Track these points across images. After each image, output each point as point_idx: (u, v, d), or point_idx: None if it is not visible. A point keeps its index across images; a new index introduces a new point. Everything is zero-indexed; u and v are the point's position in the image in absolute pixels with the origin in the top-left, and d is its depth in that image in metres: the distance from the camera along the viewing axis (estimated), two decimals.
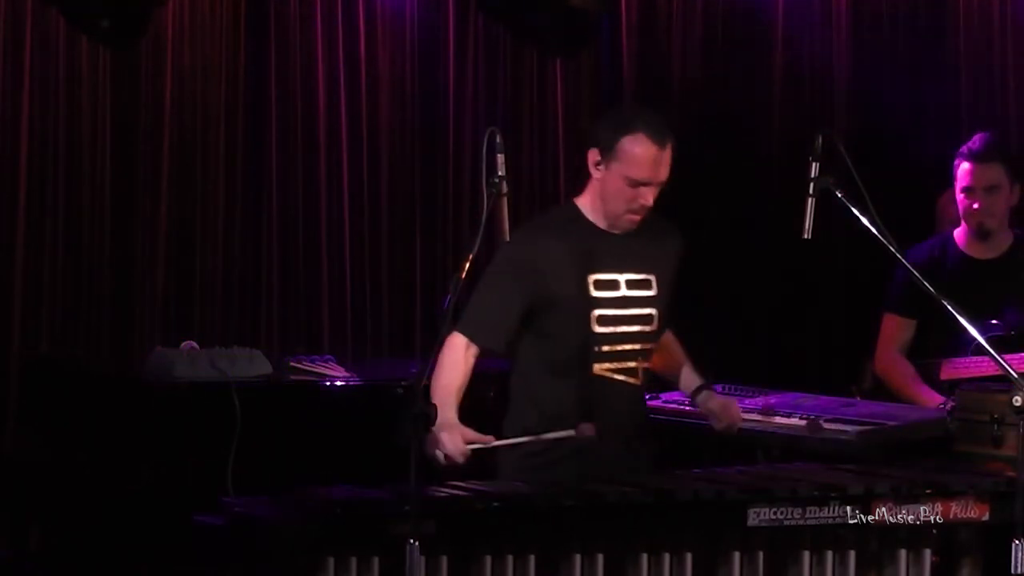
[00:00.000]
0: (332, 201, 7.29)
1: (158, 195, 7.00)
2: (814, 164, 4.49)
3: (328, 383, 6.05)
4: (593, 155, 4.64)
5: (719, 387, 5.44)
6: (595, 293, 4.65)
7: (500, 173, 4.26)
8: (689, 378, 4.94)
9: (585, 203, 4.72)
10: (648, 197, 4.62)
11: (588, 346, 4.64)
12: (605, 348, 4.66)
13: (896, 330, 5.69)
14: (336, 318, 7.28)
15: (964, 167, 5.62)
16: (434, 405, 3.93)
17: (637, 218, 4.67)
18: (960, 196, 5.65)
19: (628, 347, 4.68)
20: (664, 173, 4.63)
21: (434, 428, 4.09)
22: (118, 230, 6.94)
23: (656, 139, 4.58)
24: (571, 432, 4.50)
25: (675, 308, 4.89)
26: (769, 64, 7.73)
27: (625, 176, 4.58)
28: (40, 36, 6.80)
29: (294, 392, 6.02)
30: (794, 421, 5.04)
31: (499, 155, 4.25)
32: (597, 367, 4.66)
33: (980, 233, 5.63)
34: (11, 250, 6.74)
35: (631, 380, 4.69)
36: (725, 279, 7.47)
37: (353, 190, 7.33)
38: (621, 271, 4.69)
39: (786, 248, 7.09)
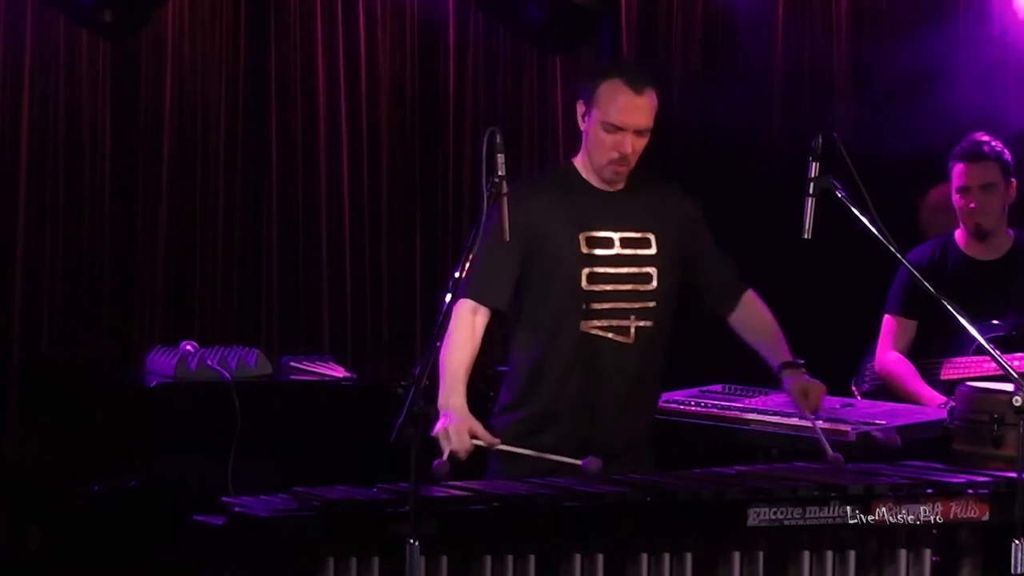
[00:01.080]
0: (332, 201, 7.29)
1: (158, 195, 7.00)
2: (814, 164, 4.49)
3: (328, 383, 6.05)
4: (580, 107, 4.71)
5: (719, 387, 5.45)
6: (586, 250, 4.67)
7: (500, 173, 4.26)
8: (774, 351, 4.90)
9: (580, 162, 4.75)
10: (626, 144, 4.64)
11: (577, 303, 4.66)
12: (595, 306, 4.67)
13: (897, 331, 5.70)
14: (336, 318, 7.28)
15: (958, 168, 5.63)
16: (433, 405, 3.93)
17: (622, 170, 4.69)
18: (956, 197, 5.66)
19: (622, 305, 4.69)
20: (642, 120, 4.65)
21: (442, 409, 4.08)
22: (118, 230, 6.94)
23: (631, 84, 4.63)
24: (577, 462, 4.50)
25: (732, 268, 4.91)
26: (769, 64, 7.73)
27: (602, 122, 4.63)
28: (40, 35, 6.80)
29: (294, 392, 6.02)
30: (794, 421, 5.04)
31: (499, 155, 4.25)
32: (585, 324, 4.66)
33: (978, 233, 5.63)
34: (11, 250, 6.74)
35: (622, 339, 4.68)
36: None
37: (353, 190, 7.33)
38: (616, 229, 4.71)
39: (786, 248, 7.10)
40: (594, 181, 4.74)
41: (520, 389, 4.72)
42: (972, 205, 5.59)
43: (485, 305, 4.64)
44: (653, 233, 4.74)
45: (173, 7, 6.98)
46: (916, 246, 5.71)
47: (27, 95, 6.77)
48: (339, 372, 6.15)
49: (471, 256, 4.37)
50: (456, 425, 4.41)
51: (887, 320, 5.73)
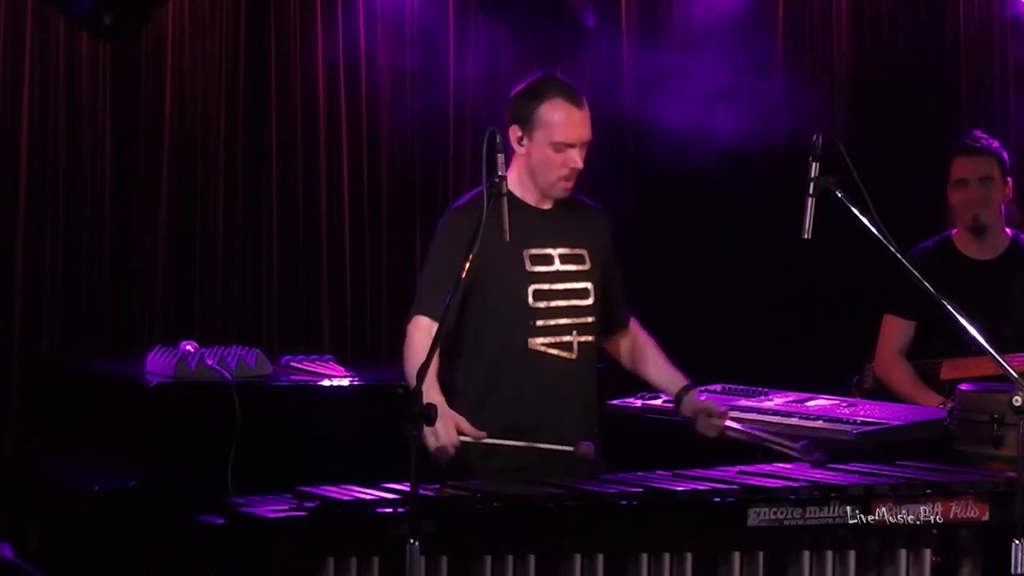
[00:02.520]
0: (332, 201, 7.29)
1: (158, 195, 7.00)
2: (814, 164, 4.49)
3: (328, 383, 6.05)
4: (514, 132, 4.71)
5: (719, 386, 5.45)
6: (531, 268, 4.69)
7: (500, 173, 4.27)
8: (671, 377, 4.92)
9: (512, 180, 4.69)
10: (576, 159, 4.68)
11: (524, 320, 4.67)
12: (539, 323, 4.68)
13: (896, 331, 5.70)
14: (336, 318, 7.28)
15: (957, 161, 5.66)
16: (433, 405, 3.93)
17: (570, 184, 4.72)
18: (954, 192, 5.68)
19: (563, 321, 4.70)
20: (586, 132, 4.69)
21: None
22: (118, 230, 6.94)
23: (572, 100, 4.67)
24: (569, 448, 4.50)
25: (625, 294, 4.92)
26: (769, 63, 7.72)
27: (550, 142, 4.65)
28: (40, 36, 6.80)
29: (294, 392, 6.02)
30: (793, 421, 5.04)
31: (499, 155, 4.25)
32: (532, 342, 4.68)
33: (976, 228, 5.64)
34: (11, 250, 6.74)
35: (565, 354, 4.70)
36: (725, 279, 7.47)
37: (353, 190, 7.33)
38: (554, 245, 4.73)
39: (786, 248, 7.10)
40: (528, 199, 4.75)
41: (468, 413, 4.64)
42: (970, 197, 5.61)
43: (440, 323, 4.61)
44: (586, 249, 4.78)
45: (173, 7, 6.99)
46: (914, 246, 5.71)
47: (27, 95, 6.77)
48: (339, 372, 6.16)
49: (424, 271, 4.39)
50: (441, 421, 4.41)
51: (886, 320, 5.73)
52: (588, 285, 4.75)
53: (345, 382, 6.07)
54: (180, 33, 7.03)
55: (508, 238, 4.32)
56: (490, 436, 4.57)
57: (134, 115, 6.98)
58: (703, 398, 4.92)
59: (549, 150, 4.66)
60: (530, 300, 4.68)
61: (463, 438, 4.48)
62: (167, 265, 7.01)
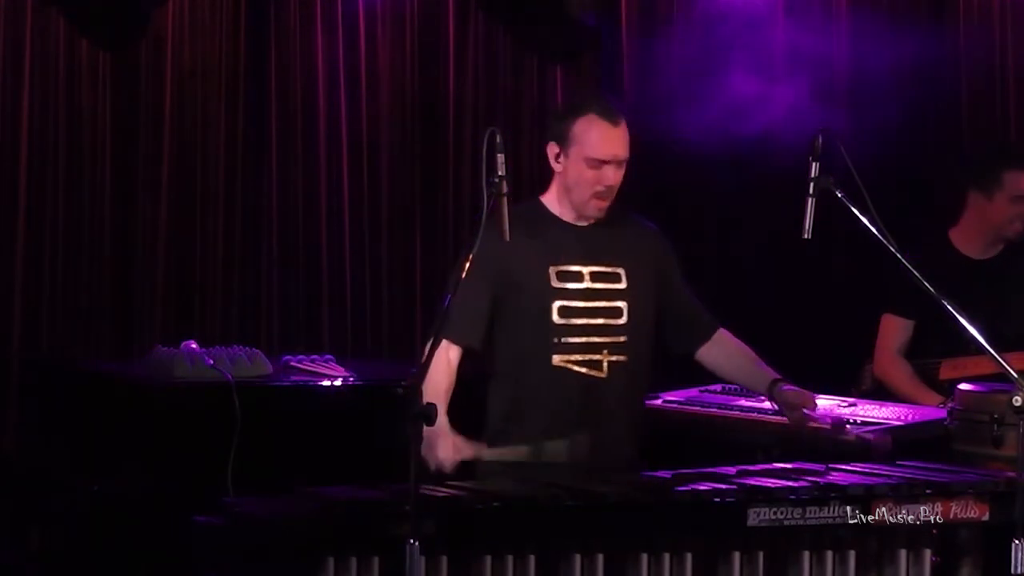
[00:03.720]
0: (332, 201, 7.29)
1: (158, 195, 7.00)
2: (814, 164, 4.49)
3: (328, 383, 6.05)
4: (552, 149, 4.73)
5: (718, 386, 5.45)
6: (556, 284, 4.69)
7: (500, 173, 4.27)
8: (760, 377, 4.90)
9: (551, 198, 4.78)
10: (610, 177, 4.67)
11: (548, 337, 4.66)
12: (566, 340, 4.67)
13: (895, 331, 5.70)
14: (336, 318, 7.28)
15: (1016, 176, 5.59)
16: (433, 405, 3.94)
17: (604, 203, 4.71)
18: (1011, 205, 5.61)
19: (594, 340, 4.69)
20: (622, 151, 4.69)
21: (426, 432, 4.10)
22: (118, 230, 6.94)
23: (607, 117, 4.68)
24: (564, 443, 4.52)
25: (700, 308, 4.91)
26: (769, 63, 7.72)
27: (585, 158, 4.66)
28: (40, 36, 6.80)
29: (294, 392, 6.02)
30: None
31: (499, 155, 4.25)
32: (557, 358, 4.67)
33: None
34: (11, 250, 6.74)
35: (595, 373, 4.69)
36: (725, 279, 7.47)
37: (353, 190, 7.33)
38: (586, 263, 4.72)
39: (786, 248, 7.10)
40: (565, 216, 4.76)
41: (497, 432, 4.70)
42: None
43: (457, 343, 4.65)
44: (623, 267, 4.76)
45: (173, 8, 6.99)
46: (912, 245, 5.70)
47: (27, 96, 6.77)
48: (339, 372, 6.16)
49: (449, 294, 4.41)
50: (440, 438, 4.43)
51: (885, 320, 5.74)
52: (622, 304, 4.73)
53: (345, 382, 6.07)
54: (180, 33, 7.03)
55: (508, 238, 4.32)
56: (488, 455, 4.59)
57: (134, 116, 6.98)
58: (788, 389, 4.85)
59: (583, 166, 4.66)
60: (554, 316, 4.66)
61: (463, 454, 4.51)
62: (167, 265, 7.01)
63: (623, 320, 4.73)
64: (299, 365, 6.20)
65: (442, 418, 4.46)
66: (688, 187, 7.65)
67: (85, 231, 6.88)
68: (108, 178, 6.93)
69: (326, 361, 6.27)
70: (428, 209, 7.46)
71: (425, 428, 3.90)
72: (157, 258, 6.98)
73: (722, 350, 4.94)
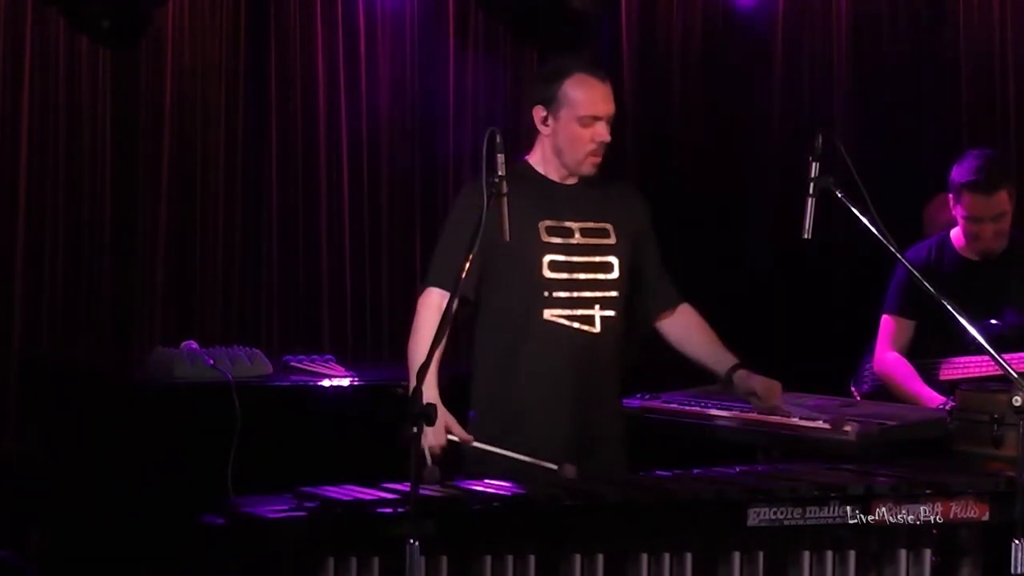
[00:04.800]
0: (332, 201, 7.29)
1: (158, 195, 7.00)
2: (814, 164, 4.49)
3: (328, 383, 6.05)
4: (539, 112, 4.75)
5: (718, 386, 5.44)
6: (546, 238, 4.70)
7: (500, 173, 4.27)
8: (720, 357, 4.91)
9: (535, 158, 4.78)
10: (604, 132, 4.71)
11: (539, 291, 4.67)
12: (557, 294, 4.68)
13: (895, 331, 5.69)
14: (336, 318, 7.28)
15: (970, 198, 5.54)
16: (433, 405, 3.93)
17: (598, 159, 4.74)
18: (966, 224, 5.59)
19: (585, 294, 4.70)
20: (611, 106, 4.74)
21: None
22: (118, 230, 6.94)
23: (595, 74, 4.73)
24: (553, 467, 4.51)
25: (667, 278, 4.92)
26: (769, 63, 7.73)
27: (577, 117, 4.69)
28: (40, 36, 6.80)
29: (294, 392, 6.02)
30: (794, 421, 5.04)
31: (499, 155, 4.25)
32: (548, 313, 4.67)
33: (985, 256, 5.60)
34: (11, 250, 6.74)
35: (587, 328, 4.69)
36: (725, 279, 7.47)
37: (353, 190, 7.34)
38: (575, 219, 4.74)
39: (786, 248, 7.10)
40: (552, 175, 4.77)
41: (488, 387, 4.71)
42: (985, 234, 5.55)
43: (447, 291, 4.59)
44: (611, 224, 4.78)
45: (173, 8, 6.99)
46: (912, 246, 5.70)
47: (27, 96, 6.77)
48: (339, 372, 6.16)
49: (438, 245, 4.40)
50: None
51: (885, 320, 5.73)
52: (613, 259, 4.75)
53: (345, 382, 6.07)
54: (180, 33, 7.03)
55: (508, 238, 4.32)
56: (490, 431, 4.59)
57: (134, 115, 6.98)
58: (754, 376, 4.85)
59: (576, 126, 4.69)
60: (545, 271, 4.68)
61: (451, 437, 4.51)
62: (167, 265, 7.01)
63: (614, 275, 4.75)
64: (299, 365, 6.21)
65: (432, 391, 4.46)
66: (685, 184, 7.66)
67: (85, 231, 6.88)
68: (108, 178, 6.93)
69: (326, 361, 6.27)
70: (428, 209, 7.46)
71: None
72: (157, 258, 6.98)
73: (684, 324, 4.94)
